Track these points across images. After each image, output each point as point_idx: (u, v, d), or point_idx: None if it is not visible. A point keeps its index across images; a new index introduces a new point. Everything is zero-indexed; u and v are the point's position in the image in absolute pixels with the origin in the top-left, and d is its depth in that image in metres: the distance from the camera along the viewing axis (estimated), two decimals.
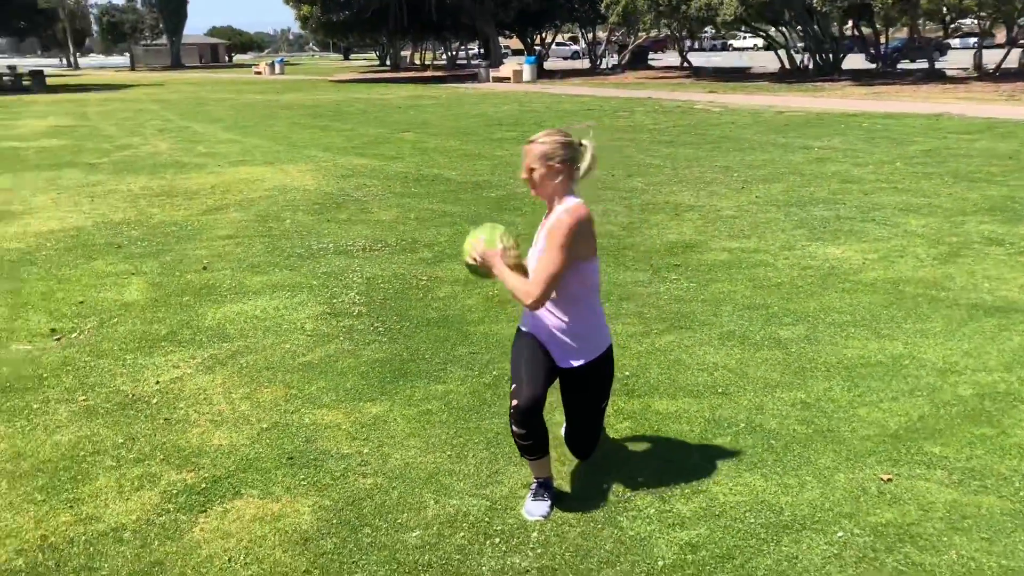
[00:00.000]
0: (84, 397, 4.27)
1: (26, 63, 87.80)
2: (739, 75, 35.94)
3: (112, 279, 6.40)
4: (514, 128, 16.84)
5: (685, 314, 5.36)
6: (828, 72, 31.73)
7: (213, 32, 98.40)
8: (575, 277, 2.97)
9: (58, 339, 5.15)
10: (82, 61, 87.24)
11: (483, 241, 3.05)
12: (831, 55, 32.55)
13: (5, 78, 39.84)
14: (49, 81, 41.39)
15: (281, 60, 55.23)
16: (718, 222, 7.92)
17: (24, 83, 38.22)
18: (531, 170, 3.01)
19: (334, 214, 8.62)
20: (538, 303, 2.91)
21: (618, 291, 5.86)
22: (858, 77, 29.46)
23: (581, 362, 3.11)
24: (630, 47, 45.03)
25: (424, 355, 4.75)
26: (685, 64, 42.21)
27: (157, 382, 4.45)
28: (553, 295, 2.99)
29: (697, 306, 5.51)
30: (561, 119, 18.65)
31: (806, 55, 35.23)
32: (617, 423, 3.88)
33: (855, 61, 35.07)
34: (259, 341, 5.02)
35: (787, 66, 35.19)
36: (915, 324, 5.06)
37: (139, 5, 73.58)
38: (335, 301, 5.75)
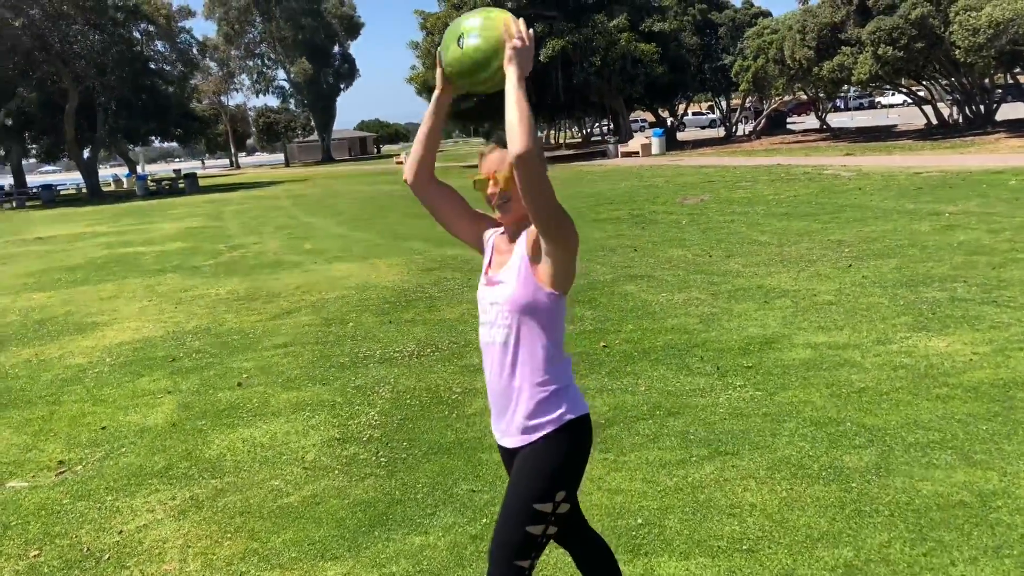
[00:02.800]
0: (37, 552, 3.89)
1: (192, 165, 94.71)
2: (882, 134, 34.10)
3: (146, 399, 6.16)
4: (623, 206, 16.23)
5: (737, 434, 4.54)
6: (980, 125, 29.58)
7: (361, 126, 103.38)
8: (545, 312, 2.28)
9: (60, 473, 4.88)
10: (243, 160, 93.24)
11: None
12: (982, 106, 30.38)
13: (164, 183, 42.67)
14: (204, 182, 44.11)
15: None
16: (810, 311, 7.00)
17: (179, 186, 40.76)
18: (507, 180, 2.29)
19: (400, 314, 8.22)
20: (528, 156, 2.04)
21: (668, 403, 5.10)
22: (1017, 128, 27.25)
23: (500, 436, 2.45)
24: (765, 112, 43.75)
25: (417, 494, 4.15)
26: (824, 126, 40.58)
27: (120, 532, 4.04)
28: (502, 336, 2.32)
29: (755, 422, 4.68)
30: (677, 192, 17.91)
31: (954, 108, 33.09)
32: None
33: (1015, 110, 32.62)
34: (251, 476, 4.57)
35: (934, 121, 33.14)
36: (1022, 446, 4.06)
37: (292, 106, 77.99)
38: (351, 423, 5.25)
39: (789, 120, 49.75)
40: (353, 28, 75.89)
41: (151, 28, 40.89)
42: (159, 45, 43.05)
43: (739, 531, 3.50)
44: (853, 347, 5.89)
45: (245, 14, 70.76)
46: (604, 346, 6.51)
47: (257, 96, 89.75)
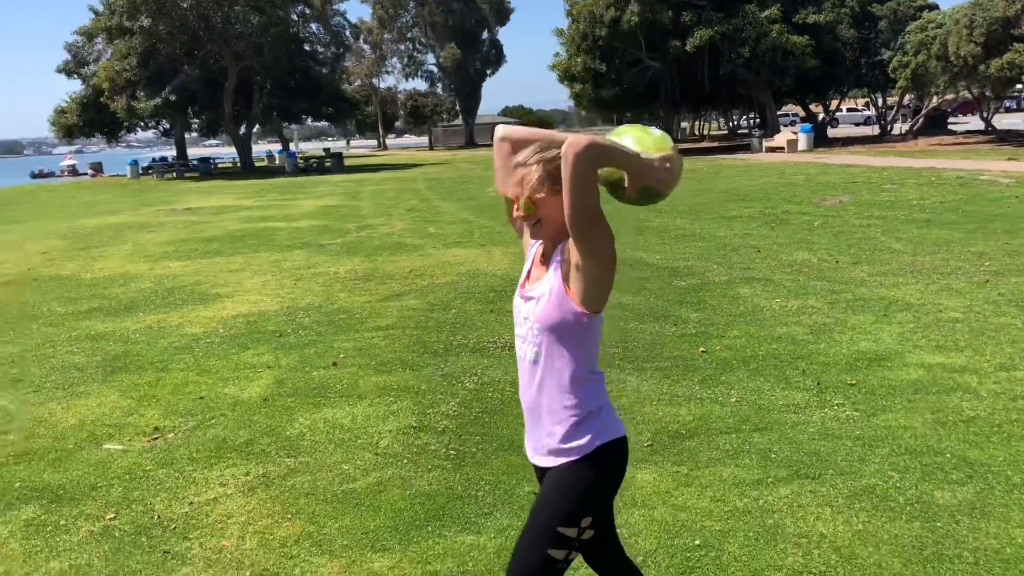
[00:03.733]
0: (113, 515, 4.06)
1: (341, 145, 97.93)
2: None
3: (246, 373, 6.35)
4: (756, 204, 15.67)
5: (823, 457, 4.26)
6: None
7: (505, 111, 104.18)
8: (576, 332, 2.18)
9: (153, 439, 5.08)
10: (390, 141, 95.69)
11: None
12: None
13: (311, 161, 44.27)
14: (350, 162, 45.51)
15: None
16: (932, 327, 6.53)
17: (326, 164, 42.20)
18: (533, 201, 2.17)
19: (503, 304, 8.18)
20: (585, 149, 1.99)
21: (757, 417, 4.85)
22: None
23: (531, 454, 2.34)
24: (923, 111, 41.39)
25: (479, 492, 4.09)
26: (989, 128, 38.04)
27: (191, 503, 4.16)
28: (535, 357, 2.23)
29: (845, 445, 4.38)
30: (816, 192, 17.15)
31: None
32: None
33: None
34: (324, 458, 4.62)
35: None
36: None
37: (439, 90, 79.42)
38: (429, 411, 5.24)
39: (951, 120, 46.91)
40: (503, 14, 76.42)
41: (307, 10, 42.41)
42: (313, 27, 44.64)
43: (801, 563, 3.27)
44: (971, 371, 5.44)
45: None
46: (703, 351, 6.27)
47: (407, 79, 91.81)
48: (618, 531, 3.43)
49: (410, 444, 4.75)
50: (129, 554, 3.67)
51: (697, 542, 3.48)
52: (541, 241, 2.28)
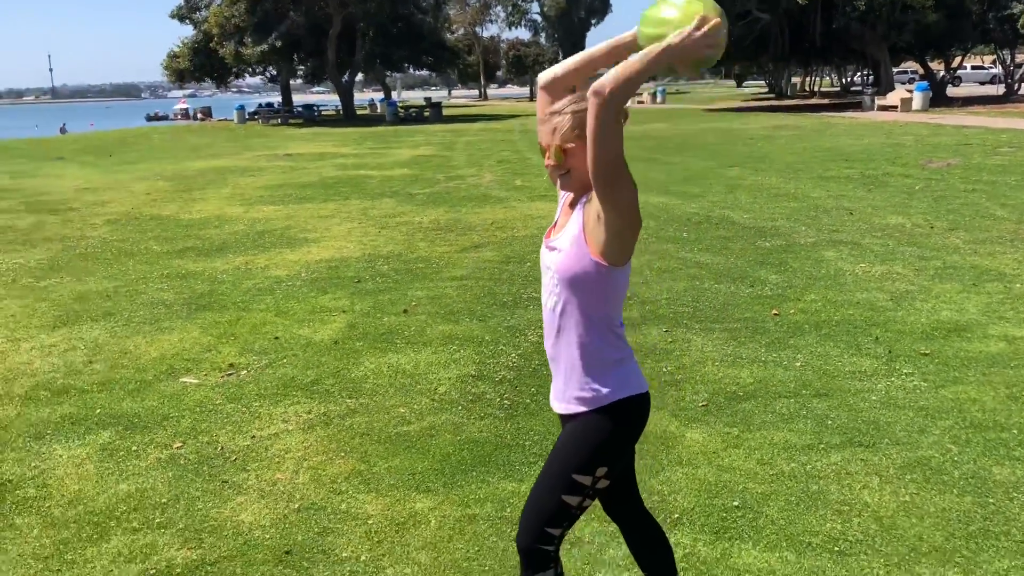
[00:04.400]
0: (180, 444, 4.28)
1: (442, 95, 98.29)
2: None
3: (322, 316, 6.54)
4: (856, 165, 15.11)
5: (881, 426, 4.15)
6: None
7: None
8: (596, 284, 2.17)
9: (229, 375, 5.31)
10: (492, 92, 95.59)
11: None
12: None
13: (411, 110, 44.63)
14: (449, 112, 45.70)
15: (662, 89, 55.73)
16: (1022, 299, 6.23)
17: (425, 114, 42.50)
18: (563, 150, 2.15)
19: None
20: (607, 97, 1.94)
21: (819, 383, 4.75)
22: None
23: (553, 402, 2.36)
24: None
25: (526, 442, 4.15)
26: None
27: (253, 436, 4.35)
28: (561, 307, 2.23)
29: (907, 416, 4.26)
30: (923, 154, 16.41)
31: None
32: None
33: None
34: (383, 401, 4.75)
35: None
36: None
37: (543, 39, 78.74)
38: (490, 361, 5.32)
39: None
40: None
41: None
42: None
43: (839, 531, 3.22)
44: None
45: None
46: (776, 314, 6.15)
47: (510, 28, 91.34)
48: (658, 488, 3.46)
49: (467, 392, 4.84)
50: (190, 481, 3.88)
51: (736, 503, 3.46)
52: (570, 192, 2.26)
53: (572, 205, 2.26)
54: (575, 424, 2.28)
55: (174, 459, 4.12)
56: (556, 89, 2.30)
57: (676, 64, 2.02)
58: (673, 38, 1.98)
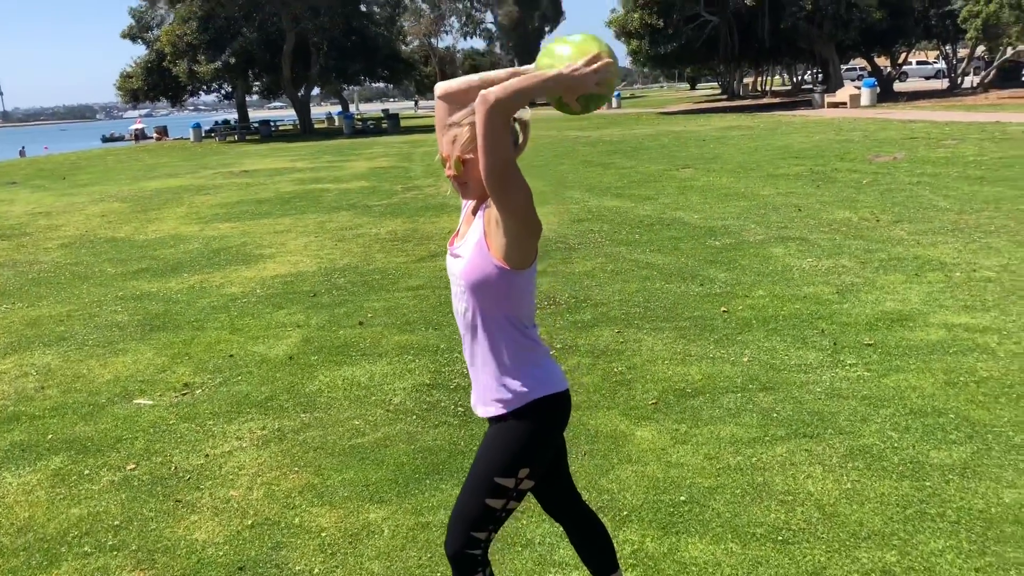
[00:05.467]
0: (133, 466, 4.27)
1: (404, 105, 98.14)
2: None
3: (276, 331, 6.55)
4: (806, 162, 15.37)
5: (825, 416, 4.27)
6: None
7: None
8: (501, 288, 2.22)
9: (183, 395, 5.30)
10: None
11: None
12: None
13: (368, 122, 44.55)
14: (408, 123, 45.65)
15: (617, 94, 56.16)
16: (962, 287, 6.42)
17: (382, 126, 42.46)
18: (463, 160, 2.22)
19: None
20: (493, 104, 2.01)
21: (766, 377, 4.86)
22: None
23: (473, 405, 2.42)
24: (996, 63, 39.84)
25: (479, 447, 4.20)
26: None
27: (207, 455, 4.35)
28: (472, 316, 2.28)
29: (850, 405, 4.38)
30: (871, 148, 16.74)
31: None
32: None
33: None
34: (337, 414, 4.78)
35: None
36: None
37: (497, 48, 78.98)
38: (445, 369, 5.37)
39: None
40: None
41: None
42: None
43: (783, 520, 3.31)
44: (993, 331, 5.35)
45: None
46: (724, 311, 6.27)
47: (465, 39, 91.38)
48: (608, 486, 3.53)
49: (421, 401, 4.89)
50: (144, 502, 3.88)
51: (683, 498, 3.54)
52: (472, 201, 2.33)
53: (474, 213, 2.32)
54: (496, 427, 2.33)
55: (127, 481, 4.12)
56: (454, 102, 2.37)
57: (565, 95, 2.11)
58: (564, 68, 2.08)
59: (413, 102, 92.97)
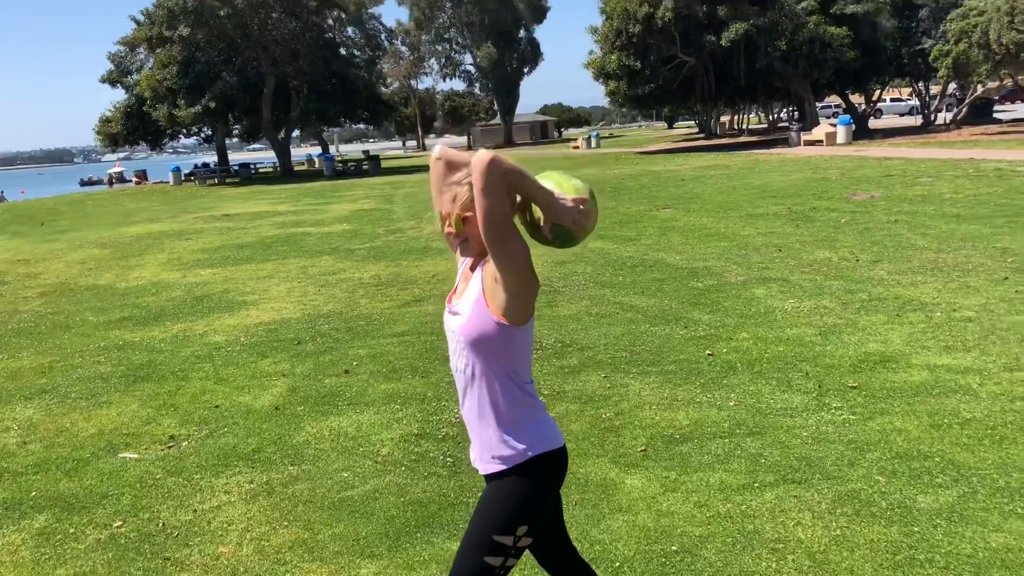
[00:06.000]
0: (120, 523, 4.23)
1: (384, 146, 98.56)
2: None
3: (261, 381, 6.52)
4: (785, 201, 15.55)
5: (813, 461, 4.29)
6: None
7: (543, 110, 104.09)
8: (500, 344, 2.26)
9: (169, 447, 5.26)
10: (429, 142, 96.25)
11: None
12: None
13: (349, 164, 44.69)
14: (387, 164, 45.83)
15: (595, 134, 56.71)
16: (943, 327, 6.49)
17: (363, 167, 42.61)
18: (463, 218, 2.28)
19: None
20: (490, 160, 2.10)
21: (753, 421, 4.89)
22: None
23: (473, 461, 2.44)
24: (967, 100, 40.60)
25: (469, 499, 4.19)
26: None
27: (195, 510, 4.32)
28: (472, 369, 2.32)
29: (837, 450, 4.41)
30: (849, 187, 16.97)
31: None
32: None
33: None
34: (325, 466, 4.76)
35: None
36: None
37: (477, 90, 79.69)
38: (433, 419, 5.36)
39: (998, 108, 45.95)
40: (540, 12, 76.41)
41: (342, 15, 42.84)
42: (349, 31, 45.08)
43: (774, 569, 3.32)
44: (975, 372, 5.42)
45: (436, 0, 72.79)
46: (709, 354, 6.31)
47: (444, 80, 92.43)
48: (600, 537, 3.53)
49: (410, 451, 4.87)
50: (131, 560, 3.84)
51: (675, 547, 3.54)
52: (470, 258, 2.37)
53: (472, 269, 2.36)
54: (495, 484, 2.35)
55: (114, 539, 4.07)
56: (450, 166, 2.42)
57: (545, 214, 2.21)
58: (556, 193, 2.21)
59: (401, 144, 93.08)
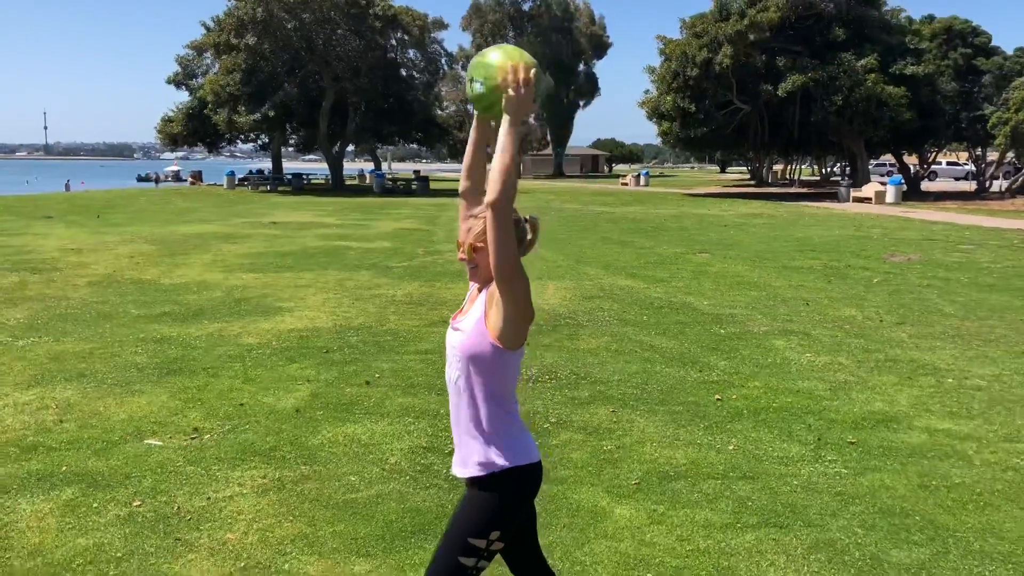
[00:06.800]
0: (139, 503, 4.52)
1: (435, 167, 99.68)
2: None
3: (287, 384, 6.82)
4: (822, 256, 15.65)
5: (798, 509, 4.46)
6: None
7: (596, 144, 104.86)
8: (492, 364, 2.52)
9: (192, 438, 5.56)
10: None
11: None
12: None
13: (399, 183, 45.45)
14: (436, 185, 46.50)
15: (646, 172, 57.04)
16: (951, 393, 6.60)
17: (412, 187, 43.28)
18: (474, 248, 2.56)
19: (541, 338, 8.50)
20: (498, 207, 2.33)
21: (747, 466, 5.06)
22: None
23: (454, 467, 2.68)
24: (1023, 170, 40.19)
25: None
26: None
27: (209, 498, 4.60)
28: (463, 382, 2.57)
29: (823, 500, 4.57)
30: (888, 247, 17.02)
31: None
32: None
33: None
34: (335, 469, 5.02)
35: None
36: None
37: (531, 119, 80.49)
38: (442, 434, 5.60)
39: None
40: (601, 48, 77.26)
41: (405, 37, 43.77)
42: (411, 53, 45.98)
43: None
44: (973, 440, 5.54)
45: (499, 28, 73.89)
46: (718, 399, 6.48)
47: None
48: (582, 559, 3.74)
49: (416, 462, 5.12)
50: (146, 538, 4.12)
51: (650, 575, 3.74)
52: (477, 283, 2.63)
53: (478, 292, 2.63)
54: (472, 490, 2.60)
55: (132, 516, 4.36)
56: (472, 194, 2.71)
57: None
58: (508, 107, 2.39)
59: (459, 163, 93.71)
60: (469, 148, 2.80)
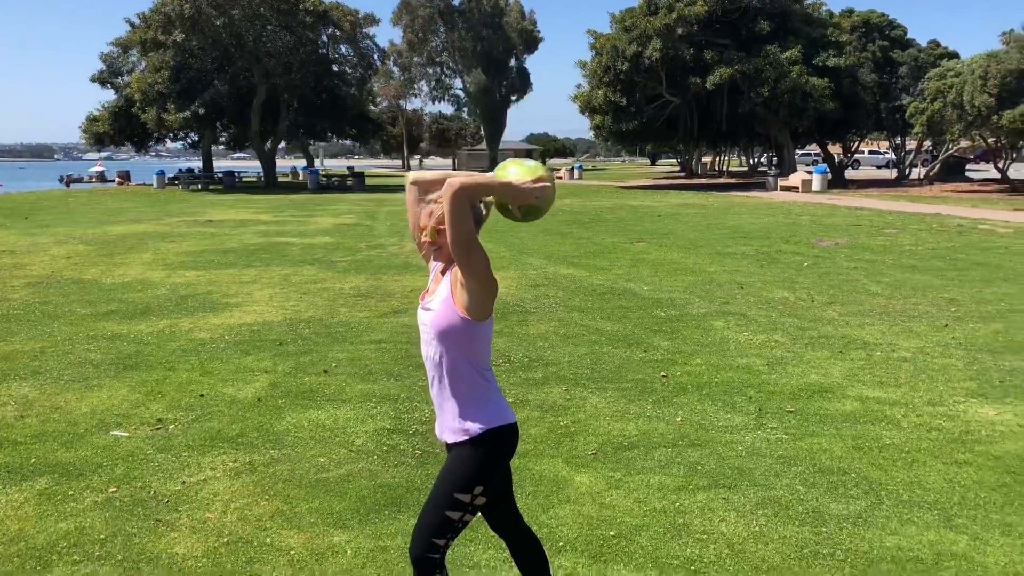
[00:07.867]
0: (115, 489, 4.64)
1: (370, 163, 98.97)
2: None
3: (245, 376, 6.95)
4: (754, 243, 16.20)
5: (744, 471, 4.79)
6: None
7: (530, 138, 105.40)
8: (464, 335, 2.74)
9: (156, 429, 5.67)
10: (414, 163, 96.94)
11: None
12: None
13: (333, 179, 45.20)
14: (371, 181, 46.32)
15: (579, 166, 57.68)
16: (880, 365, 7.05)
17: (347, 183, 43.07)
18: (437, 230, 2.80)
19: (497, 323, 8.72)
20: (457, 190, 2.56)
21: (695, 435, 5.39)
22: None
23: (438, 433, 2.93)
24: (940, 157, 41.80)
25: None
26: (1004, 177, 38.32)
27: (183, 482, 4.74)
28: (440, 358, 2.79)
29: (767, 463, 4.91)
30: (817, 233, 17.67)
31: None
32: None
33: None
34: (304, 451, 5.20)
35: None
36: (1008, 516, 4.13)
37: (464, 114, 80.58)
38: (405, 416, 5.82)
39: (970, 168, 47.24)
40: (532, 43, 77.50)
41: (337, 32, 43.48)
42: (343, 49, 45.70)
43: (697, 554, 3.80)
44: (901, 405, 5.96)
45: (430, 23, 73.71)
46: (664, 376, 6.81)
47: (433, 103, 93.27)
48: (548, 522, 4.00)
49: (382, 443, 5.33)
50: (127, 520, 4.26)
51: (612, 533, 4.02)
52: (441, 263, 2.86)
53: (442, 273, 2.86)
54: (456, 451, 2.85)
55: (110, 501, 4.49)
56: (423, 188, 2.94)
57: (510, 201, 2.70)
58: (515, 179, 2.68)
59: (402, 162, 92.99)
60: (443, 174, 2.87)
